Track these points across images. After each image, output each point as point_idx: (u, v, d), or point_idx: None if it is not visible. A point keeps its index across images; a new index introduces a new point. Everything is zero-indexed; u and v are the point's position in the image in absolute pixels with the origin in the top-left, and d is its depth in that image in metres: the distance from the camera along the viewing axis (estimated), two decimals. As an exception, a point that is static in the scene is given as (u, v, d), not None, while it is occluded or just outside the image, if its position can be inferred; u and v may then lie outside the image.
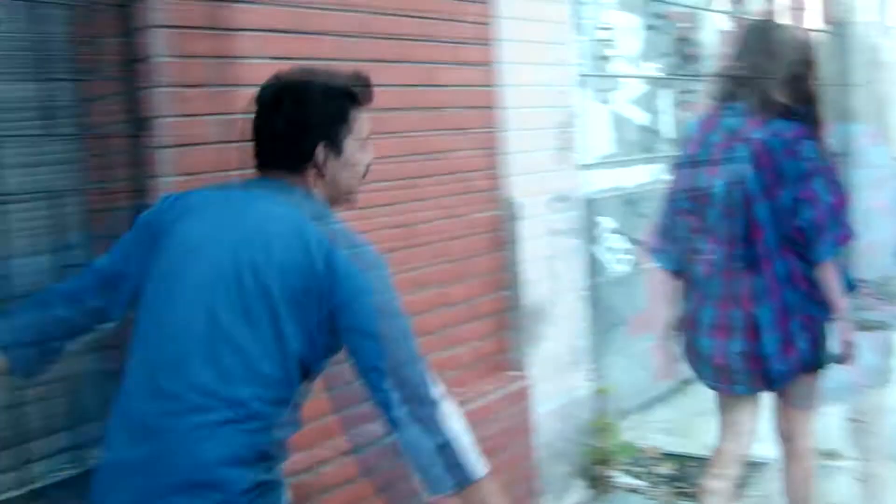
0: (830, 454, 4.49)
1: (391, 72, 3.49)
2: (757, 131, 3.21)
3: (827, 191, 3.13)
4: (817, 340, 3.26)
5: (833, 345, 3.26)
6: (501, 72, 4.02)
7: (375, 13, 3.42)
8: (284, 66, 2.96)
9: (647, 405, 5.53)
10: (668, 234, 3.49)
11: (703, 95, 5.99)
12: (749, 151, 3.20)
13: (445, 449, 2.03)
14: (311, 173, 2.14)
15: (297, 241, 1.99)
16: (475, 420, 3.68)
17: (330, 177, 2.15)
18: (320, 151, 2.12)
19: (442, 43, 3.73)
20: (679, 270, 3.46)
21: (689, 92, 5.89)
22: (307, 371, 2.04)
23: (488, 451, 3.73)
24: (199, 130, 2.85)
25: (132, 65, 2.76)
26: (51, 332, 2.17)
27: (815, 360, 3.28)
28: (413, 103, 3.59)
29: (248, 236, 2.01)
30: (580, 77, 4.74)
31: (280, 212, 2.06)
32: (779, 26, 3.44)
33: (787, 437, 3.48)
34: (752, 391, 3.38)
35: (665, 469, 4.75)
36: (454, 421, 2.06)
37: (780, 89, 3.22)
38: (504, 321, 4.06)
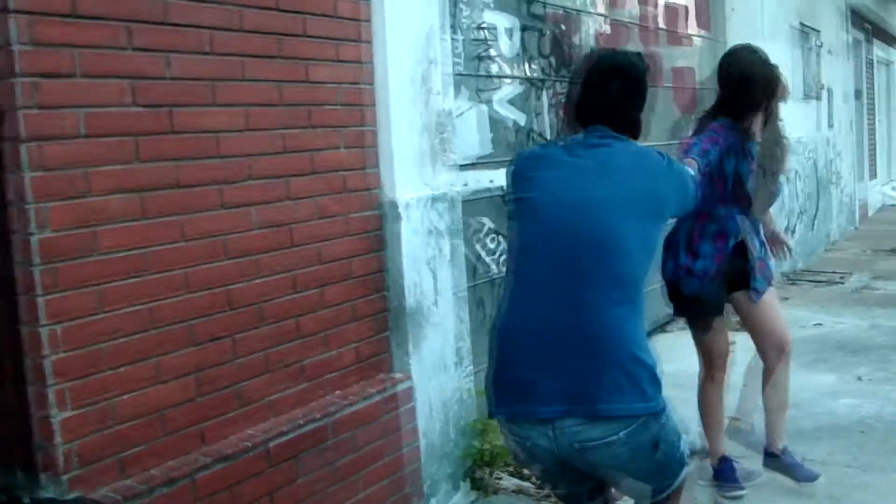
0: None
1: (263, 67, 3.41)
2: None
3: None
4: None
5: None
6: (377, 70, 3.97)
7: (248, 7, 3.33)
8: (151, 57, 2.95)
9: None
10: None
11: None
12: None
13: None
14: (630, 136, 2.91)
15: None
16: (356, 423, 3.67)
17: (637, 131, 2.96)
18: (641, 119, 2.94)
19: (317, 40, 3.66)
20: None
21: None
22: None
23: (370, 454, 3.75)
24: (58, 123, 2.72)
25: (-14, 54, 2.62)
26: None
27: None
28: (286, 100, 3.51)
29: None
30: (455, 77, 4.73)
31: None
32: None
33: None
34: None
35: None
36: None
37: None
38: (384, 323, 4.01)
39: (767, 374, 4.34)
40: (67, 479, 2.76)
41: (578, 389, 2.60)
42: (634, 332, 2.67)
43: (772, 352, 4.31)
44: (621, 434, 2.59)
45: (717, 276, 4.21)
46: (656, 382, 2.66)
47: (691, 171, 3.18)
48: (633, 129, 2.92)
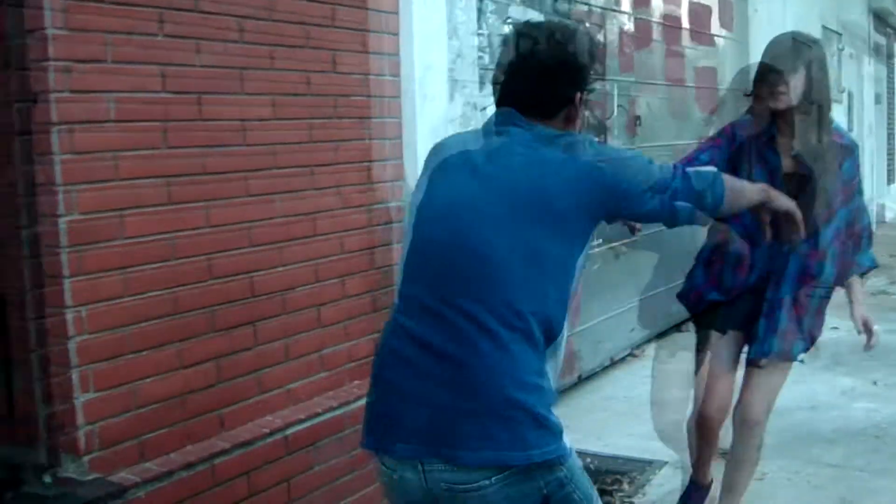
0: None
1: (292, 56, 3.42)
2: None
3: None
4: None
5: None
6: (403, 61, 3.98)
7: (280, -4, 3.35)
8: (182, 46, 2.98)
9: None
10: None
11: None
12: None
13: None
14: (558, 120, 2.23)
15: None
16: (350, 422, 3.65)
17: (571, 126, 2.25)
18: (577, 100, 2.23)
19: (345, 30, 3.67)
20: None
21: (590, 90, 5.93)
22: None
23: (365, 454, 3.74)
24: (90, 109, 2.74)
25: (22, 37, 2.64)
26: None
27: None
28: (313, 90, 3.53)
29: None
30: (481, 70, 4.73)
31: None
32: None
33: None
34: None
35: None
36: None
37: None
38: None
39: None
40: (88, 461, 2.79)
41: (440, 430, 2.14)
42: (518, 369, 2.14)
43: (736, 422, 3.61)
44: (493, 480, 2.13)
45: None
46: (545, 427, 2.15)
47: (671, 165, 2.43)
48: (545, 110, 2.24)
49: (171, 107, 2.99)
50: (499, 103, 2.28)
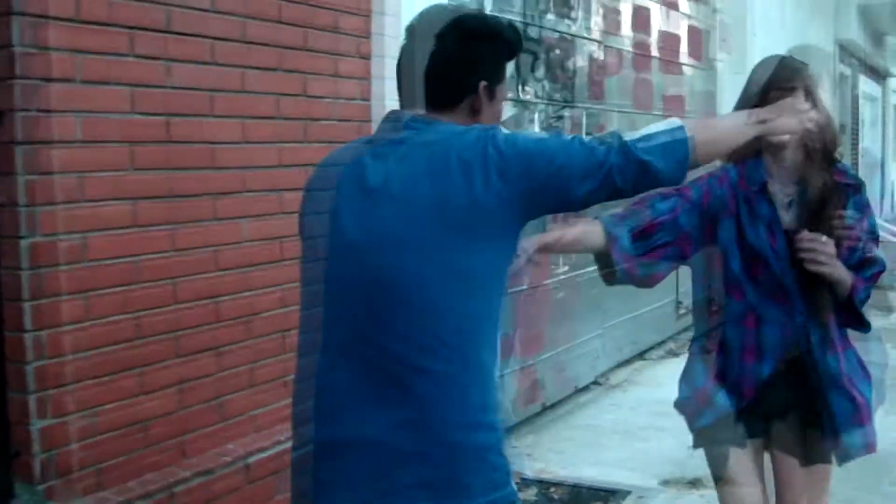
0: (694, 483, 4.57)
1: (266, 80, 3.38)
2: None
3: None
4: None
5: None
6: (374, 86, 3.96)
7: (253, 19, 3.31)
8: (152, 66, 2.93)
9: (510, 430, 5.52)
10: None
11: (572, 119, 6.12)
12: None
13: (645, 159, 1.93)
14: (461, 112, 1.96)
15: None
16: None
17: (478, 120, 1.97)
18: (483, 89, 1.96)
19: (317, 54, 3.64)
20: None
21: (559, 117, 5.94)
22: None
23: None
24: (57, 127, 2.69)
25: (-13, 54, 2.59)
26: None
27: None
28: (283, 113, 3.49)
29: None
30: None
31: None
32: None
33: None
34: None
35: (527, 496, 4.74)
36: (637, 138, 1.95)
37: None
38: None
39: None
40: (43, 489, 2.71)
41: (377, 483, 1.91)
42: (458, 408, 1.91)
43: None
44: None
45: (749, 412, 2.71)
46: (491, 471, 1.94)
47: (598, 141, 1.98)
48: (445, 99, 1.96)
49: (139, 127, 2.93)
50: (401, 99, 2.03)
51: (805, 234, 2.56)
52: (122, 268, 2.90)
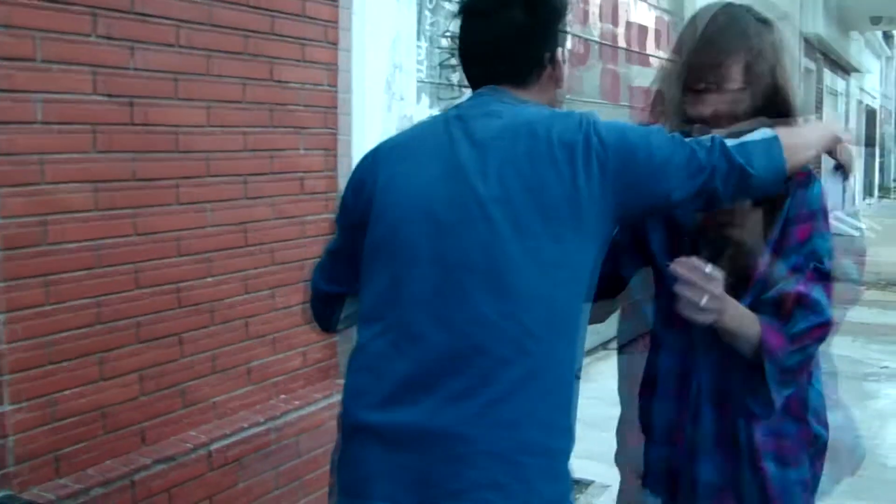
0: None
1: (232, 65, 3.35)
2: None
3: None
4: None
5: None
6: (341, 73, 3.93)
7: (220, 4, 3.27)
8: (115, 47, 2.88)
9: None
10: None
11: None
12: None
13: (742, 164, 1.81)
14: (538, 86, 1.89)
15: None
16: (302, 429, 3.61)
17: (548, 91, 1.91)
18: (549, 61, 1.89)
19: (284, 39, 3.61)
20: None
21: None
22: None
23: (315, 461, 3.69)
24: (17, 109, 2.64)
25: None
26: None
27: None
28: (249, 98, 3.45)
29: None
30: (418, 83, 4.70)
31: None
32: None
33: None
34: None
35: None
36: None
37: None
38: (334, 328, 3.96)
39: None
40: (0, 476, 2.67)
41: (433, 478, 1.74)
42: (541, 406, 1.76)
43: None
44: None
45: None
46: (562, 481, 1.81)
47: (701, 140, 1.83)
48: (523, 76, 1.88)
49: (101, 110, 2.89)
50: (469, 77, 1.94)
51: (680, 260, 1.85)
52: (84, 253, 2.86)
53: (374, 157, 1.94)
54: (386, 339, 1.80)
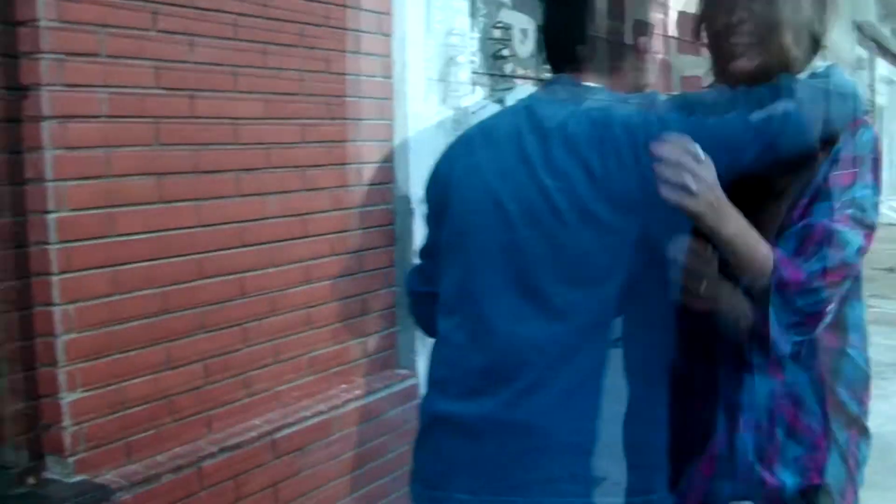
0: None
1: (285, 56, 3.38)
2: None
3: None
4: None
5: None
6: (396, 64, 3.95)
7: (274, -3, 3.31)
8: (176, 42, 2.93)
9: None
10: None
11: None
12: None
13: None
14: (614, 71, 1.86)
15: None
16: (362, 418, 3.64)
17: (632, 78, 1.90)
18: (640, 44, 1.90)
19: (339, 30, 3.64)
20: None
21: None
22: None
23: (376, 450, 3.72)
24: (83, 102, 2.69)
25: (12, 28, 2.59)
26: None
27: None
28: (309, 90, 3.49)
29: None
30: (472, 74, 4.71)
31: None
32: None
33: None
34: None
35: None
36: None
37: None
38: (393, 319, 3.98)
39: None
40: (73, 462, 2.73)
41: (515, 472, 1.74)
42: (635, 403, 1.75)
43: None
44: None
45: None
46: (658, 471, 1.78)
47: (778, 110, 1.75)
48: (609, 63, 1.86)
49: (163, 102, 2.94)
50: (552, 65, 1.92)
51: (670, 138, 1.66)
52: (149, 242, 2.90)
53: (451, 150, 1.98)
54: (464, 330, 1.83)
